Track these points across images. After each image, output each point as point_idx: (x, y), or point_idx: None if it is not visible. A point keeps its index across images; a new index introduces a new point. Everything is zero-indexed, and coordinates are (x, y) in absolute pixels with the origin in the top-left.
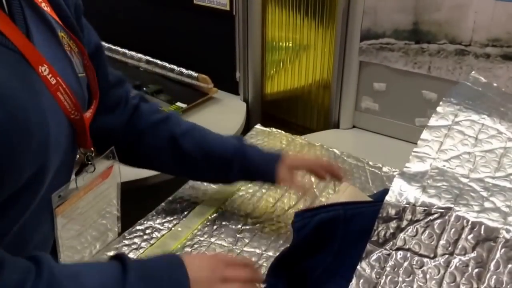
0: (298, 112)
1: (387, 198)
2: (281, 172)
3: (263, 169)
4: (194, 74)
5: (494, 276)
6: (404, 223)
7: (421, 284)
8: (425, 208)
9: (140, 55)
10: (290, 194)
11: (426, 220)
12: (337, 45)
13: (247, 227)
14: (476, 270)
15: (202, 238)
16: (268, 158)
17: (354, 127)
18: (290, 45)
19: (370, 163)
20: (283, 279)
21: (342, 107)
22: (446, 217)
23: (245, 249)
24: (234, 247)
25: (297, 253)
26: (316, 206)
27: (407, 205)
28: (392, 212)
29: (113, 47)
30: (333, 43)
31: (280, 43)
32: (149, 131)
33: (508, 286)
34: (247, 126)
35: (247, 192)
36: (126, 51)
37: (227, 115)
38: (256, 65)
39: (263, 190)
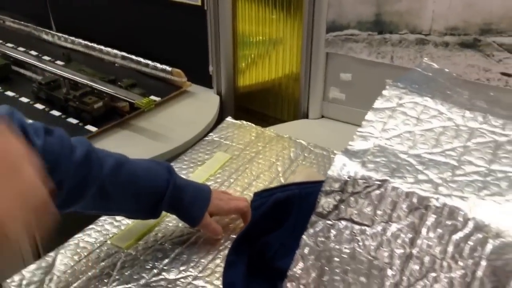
0: (269, 104)
1: (329, 172)
2: (205, 219)
3: (191, 215)
4: (168, 68)
5: (425, 241)
6: (346, 195)
7: (361, 250)
8: (364, 180)
9: (115, 51)
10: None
11: (365, 192)
12: (304, 38)
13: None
14: (409, 235)
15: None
16: (196, 202)
17: (323, 117)
18: (261, 39)
19: (335, 151)
20: (243, 256)
21: (310, 98)
22: (383, 189)
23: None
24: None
25: (255, 231)
26: (274, 187)
27: (348, 179)
28: (335, 185)
29: (89, 44)
30: (301, 36)
31: (251, 37)
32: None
33: (437, 248)
34: (220, 119)
35: (215, 181)
36: (102, 47)
37: (201, 108)
38: (228, 59)
39: (231, 180)
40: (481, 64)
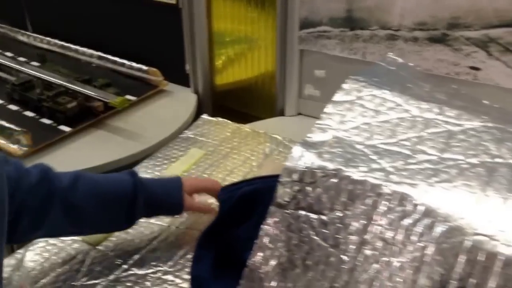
0: (247, 101)
1: (287, 163)
2: (186, 200)
3: (171, 202)
4: (144, 67)
5: (377, 227)
6: (303, 185)
7: (318, 238)
8: (320, 170)
9: (91, 51)
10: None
11: (321, 182)
12: (278, 35)
13: None
14: (362, 222)
15: None
16: (170, 188)
17: (299, 114)
18: (236, 37)
19: None
20: (210, 250)
21: (286, 95)
22: (337, 178)
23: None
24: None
25: (223, 225)
26: (240, 181)
27: (305, 169)
28: (292, 176)
29: (65, 44)
30: (275, 33)
31: (227, 35)
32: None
33: (388, 234)
34: (198, 117)
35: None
36: (78, 47)
37: (178, 107)
38: (204, 57)
39: (205, 175)
40: (450, 59)
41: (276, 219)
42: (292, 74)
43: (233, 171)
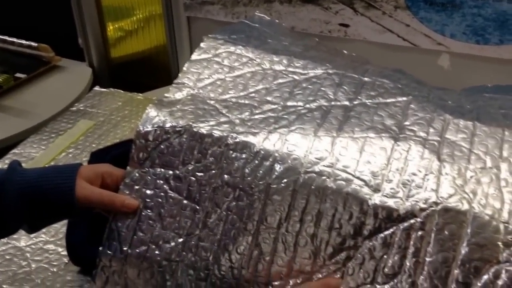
0: (143, 72)
1: (139, 124)
2: (82, 188)
3: (54, 190)
4: (34, 44)
5: (226, 176)
6: (156, 143)
7: (172, 192)
8: (171, 128)
9: None
10: None
11: (172, 138)
12: (163, 3)
13: None
14: (213, 172)
15: None
16: (60, 173)
17: None
18: (126, 8)
19: None
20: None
21: (180, 63)
22: (187, 134)
23: None
24: None
25: None
26: (109, 145)
27: (157, 128)
28: (146, 136)
29: None
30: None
31: (116, 7)
32: None
33: (236, 180)
34: None
35: (77, 148)
36: None
37: (72, 82)
38: (96, 30)
39: (93, 145)
40: (322, 17)
41: (133, 179)
42: (183, 42)
43: (122, 139)
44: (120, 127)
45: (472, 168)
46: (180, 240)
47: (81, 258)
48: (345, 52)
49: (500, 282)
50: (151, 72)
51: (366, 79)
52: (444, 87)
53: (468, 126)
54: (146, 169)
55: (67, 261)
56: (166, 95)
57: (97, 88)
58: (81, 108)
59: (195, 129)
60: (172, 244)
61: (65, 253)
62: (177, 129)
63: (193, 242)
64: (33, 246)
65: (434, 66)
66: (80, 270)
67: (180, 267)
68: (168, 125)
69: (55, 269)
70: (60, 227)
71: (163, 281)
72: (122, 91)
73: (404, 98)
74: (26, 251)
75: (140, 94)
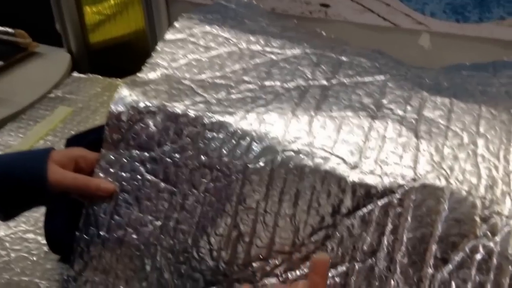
0: (122, 57)
1: (111, 104)
2: (54, 172)
3: (32, 172)
4: (11, 30)
5: (202, 156)
6: (129, 124)
7: (148, 176)
8: (144, 108)
9: None
10: None
11: (146, 118)
12: None
13: None
14: (190, 153)
15: None
16: (36, 158)
17: None
18: None
19: None
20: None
21: None
22: (162, 113)
23: None
24: None
25: None
26: (86, 130)
27: (130, 108)
28: (119, 116)
29: None
30: None
31: None
32: None
33: (213, 161)
34: None
35: (55, 136)
36: None
37: (50, 68)
38: (73, 15)
39: (72, 132)
40: None
41: (108, 161)
42: (162, 25)
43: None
44: (99, 113)
45: (449, 145)
46: (158, 223)
47: (60, 246)
48: (323, 33)
49: (477, 257)
50: (130, 57)
51: (344, 58)
52: (424, 67)
53: (445, 103)
54: (121, 151)
55: (46, 250)
56: (139, 74)
57: (75, 74)
58: (59, 95)
59: (169, 109)
60: (150, 227)
61: (44, 242)
62: (151, 109)
63: (171, 225)
64: (12, 236)
65: (415, 46)
66: (60, 258)
67: (159, 251)
68: (141, 104)
69: (34, 258)
70: (39, 216)
71: (142, 265)
72: (101, 77)
73: (382, 77)
74: (5, 241)
75: (120, 80)
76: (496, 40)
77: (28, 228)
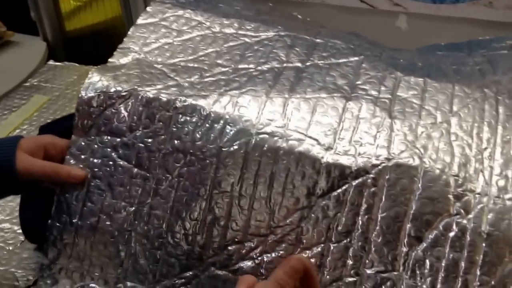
0: (99, 45)
1: (82, 90)
2: (22, 160)
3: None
4: None
5: (175, 140)
6: (100, 109)
7: (120, 162)
8: (115, 93)
9: None
10: None
11: (117, 103)
12: None
13: None
14: (162, 137)
15: None
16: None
17: None
18: None
19: None
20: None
21: None
22: (133, 98)
23: None
24: None
25: None
26: (58, 118)
27: (100, 93)
28: (89, 102)
29: None
30: None
31: None
32: None
33: (186, 145)
34: None
35: (31, 125)
36: None
37: (26, 57)
38: (48, 2)
39: (48, 121)
40: None
41: (79, 148)
42: (138, 11)
43: None
44: (75, 101)
45: (423, 124)
46: (132, 209)
47: (36, 235)
48: (299, 17)
49: (451, 234)
50: (107, 44)
51: (318, 40)
52: (400, 48)
53: (419, 83)
54: (92, 137)
55: (23, 239)
56: (110, 60)
57: (51, 62)
58: (35, 83)
59: (141, 93)
60: (124, 213)
61: (21, 231)
62: (122, 93)
63: (145, 211)
64: None
65: (393, 28)
66: (36, 247)
67: (133, 237)
68: (112, 89)
69: (11, 248)
70: (15, 206)
71: (116, 251)
72: (77, 65)
73: (356, 58)
74: None
75: (95, 67)
76: (471, 20)
77: (3, 218)
